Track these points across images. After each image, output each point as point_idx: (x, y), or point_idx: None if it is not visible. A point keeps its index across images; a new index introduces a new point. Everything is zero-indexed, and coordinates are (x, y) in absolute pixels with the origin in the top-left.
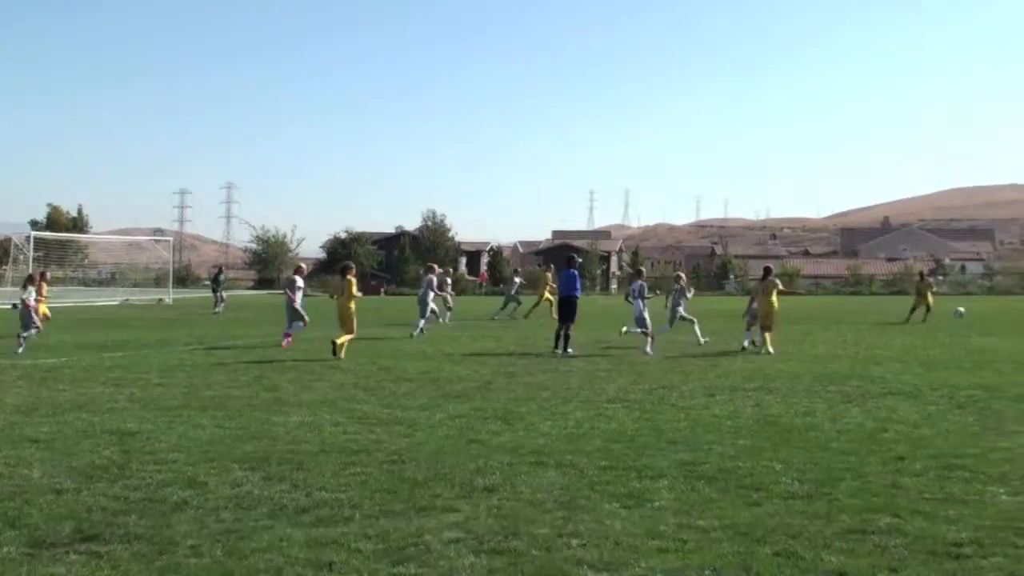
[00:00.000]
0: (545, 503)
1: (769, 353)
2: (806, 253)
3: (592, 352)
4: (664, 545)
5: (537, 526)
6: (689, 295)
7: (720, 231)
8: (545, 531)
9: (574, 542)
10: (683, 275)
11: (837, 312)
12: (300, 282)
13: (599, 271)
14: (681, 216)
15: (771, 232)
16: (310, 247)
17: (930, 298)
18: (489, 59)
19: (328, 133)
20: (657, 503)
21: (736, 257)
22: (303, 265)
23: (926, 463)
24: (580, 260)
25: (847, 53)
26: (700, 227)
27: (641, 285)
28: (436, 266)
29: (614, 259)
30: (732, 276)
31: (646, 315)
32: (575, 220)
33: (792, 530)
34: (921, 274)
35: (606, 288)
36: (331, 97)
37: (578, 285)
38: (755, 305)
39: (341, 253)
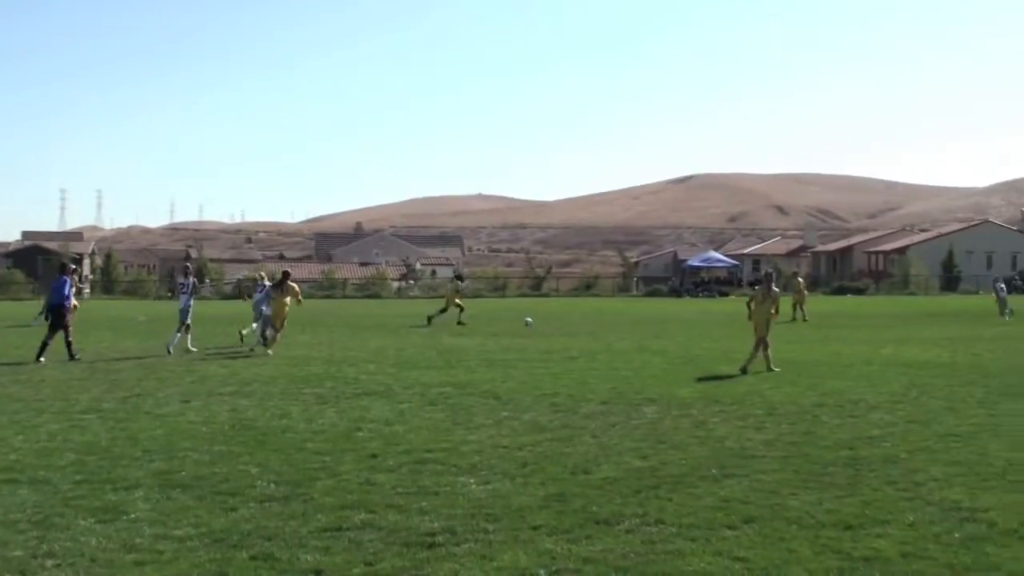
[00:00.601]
0: (18, 523)
1: (267, 354)
2: (281, 257)
3: (65, 358)
4: (141, 558)
5: (10, 548)
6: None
7: (195, 234)
8: (19, 553)
9: (49, 563)
10: (265, 274)
11: (312, 315)
12: None
13: None
14: (156, 218)
15: (247, 236)
16: None
17: (457, 300)
18: None
19: None
20: (133, 515)
21: (211, 261)
22: None
23: (399, 459)
24: (74, 267)
25: (340, 65)
26: (175, 230)
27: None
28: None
29: (87, 261)
30: (208, 280)
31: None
32: (46, 221)
33: (268, 532)
34: (458, 276)
35: (78, 292)
36: None
37: (68, 293)
38: (266, 309)
39: None
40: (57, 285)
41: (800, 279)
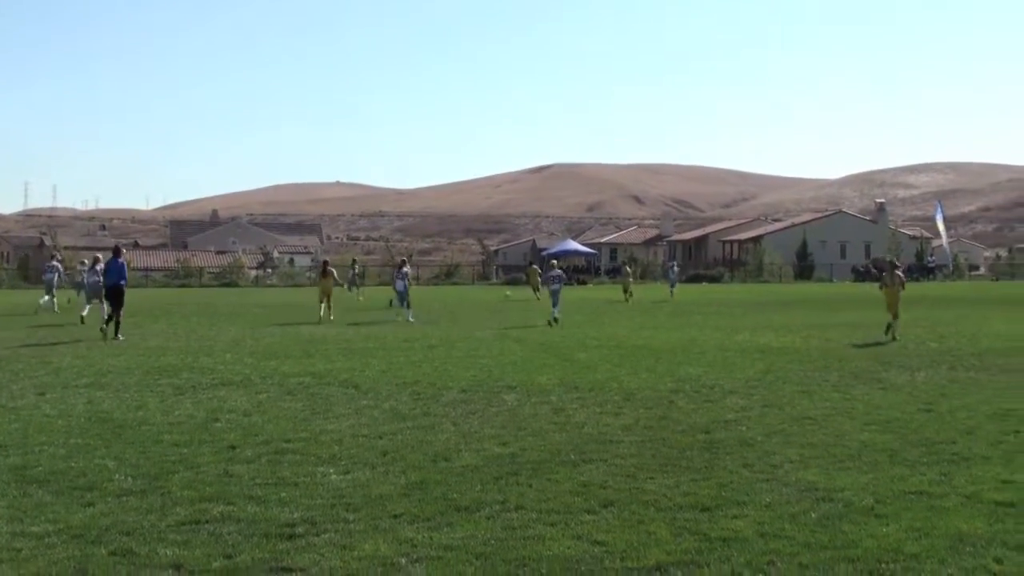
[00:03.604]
0: None
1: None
2: (136, 245)
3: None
4: None
5: None
6: None
7: (49, 221)
8: None
9: None
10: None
11: (168, 304)
12: None
13: None
14: (9, 204)
15: (101, 223)
16: None
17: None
18: None
19: None
20: None
21: (65, 248)
22: None
23: (257, 449)
24: (124, 251)
25: (195, 50)
26: (28, 216)
27: None
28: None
29: None
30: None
31: None
32: None
33: (127, 527)
34: (627, 264)
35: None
36: None
37: (125, 274)
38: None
39: None
40: (114, 267)
41: (628, 268)
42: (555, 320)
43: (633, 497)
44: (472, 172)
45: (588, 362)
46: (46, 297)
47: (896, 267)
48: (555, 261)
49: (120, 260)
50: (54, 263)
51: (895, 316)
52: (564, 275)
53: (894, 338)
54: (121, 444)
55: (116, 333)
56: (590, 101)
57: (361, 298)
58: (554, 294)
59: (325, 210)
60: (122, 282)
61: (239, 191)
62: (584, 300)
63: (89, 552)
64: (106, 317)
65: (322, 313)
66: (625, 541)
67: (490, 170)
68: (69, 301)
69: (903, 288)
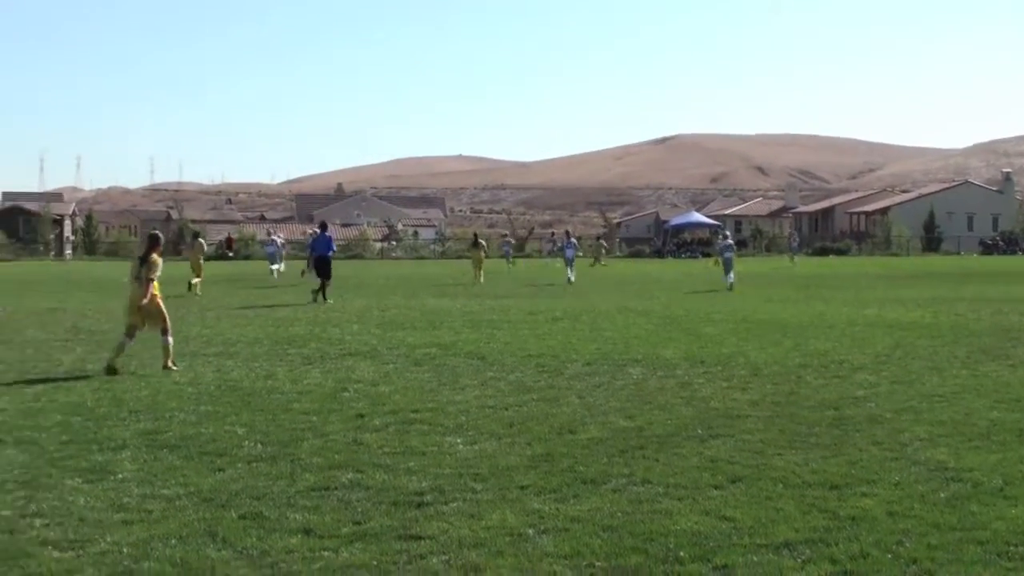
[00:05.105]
0: (6, 483)
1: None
2: (262, 218)
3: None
4: (129, 517)
5: None
6: None
7: (175, 195)
8: (7, 513)
9: (38, 522)
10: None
11: (294, 276)
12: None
13: (52, 235)
14: (135, 179)
15: (227, 197)
16: None
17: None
18: None
19: None
20: (120, 475)
21: (192, 222)
22: None
23: (385, 419)
24: (329, 226)
25: (317, 26)
26: (155, 191)
27: None
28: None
29: (68, 222)
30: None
31: None
32: (26, 182)
33: (257, 492)
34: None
35: (60, 253)
36: None
37: (332, 246)
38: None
39: None
40: (322, 240)
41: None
42: (730, 287)
43: (761, 473)
44: (594, 144)
45: (714, 336)
46: (274, 267)
47: None
48: (727, 233)
49: (327, 234)
50: (273, 238)
51: None
52: (735, 245)
53: None
54: (250, 412)
55: (325, 298)
56: (714, 71)
57: (558, 265)
58: (727, 262)
59: (447, 183)
60: (329, 253)
61: (362, 165)
62: (711, 272)
63: (219, 515)
64: (317, 285)
65: (481, 280)
66: (753, 517)
67: (612, 142)
68: (303, 273)
69: None
